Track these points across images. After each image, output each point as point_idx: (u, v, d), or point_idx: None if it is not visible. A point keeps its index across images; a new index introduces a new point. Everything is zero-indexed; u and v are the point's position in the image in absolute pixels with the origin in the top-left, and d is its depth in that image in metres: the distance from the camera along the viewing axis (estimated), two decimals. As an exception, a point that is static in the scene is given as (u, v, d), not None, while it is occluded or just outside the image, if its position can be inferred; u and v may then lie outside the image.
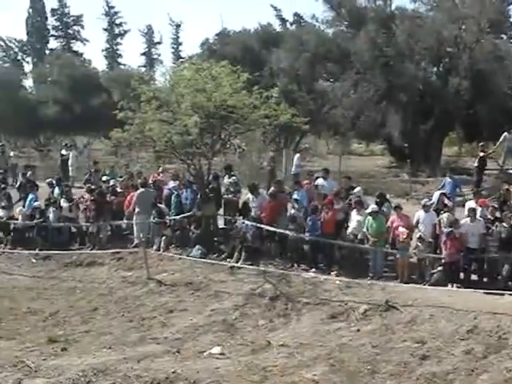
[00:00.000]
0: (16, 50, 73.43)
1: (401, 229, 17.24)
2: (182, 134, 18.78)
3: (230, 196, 21.09)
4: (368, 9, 35.71)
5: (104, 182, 24.02)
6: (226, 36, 42.25)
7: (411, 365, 12.28)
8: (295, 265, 18.30)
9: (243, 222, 19.37)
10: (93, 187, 23.02)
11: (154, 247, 20.47)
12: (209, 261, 19.02)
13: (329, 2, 35.63)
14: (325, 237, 17.99)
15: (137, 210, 21.09)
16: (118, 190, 22.90)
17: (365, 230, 17.64)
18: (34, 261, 21.61)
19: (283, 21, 44.93)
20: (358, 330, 14.30)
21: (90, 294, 18.50)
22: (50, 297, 18.72)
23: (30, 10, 70.92)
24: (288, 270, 17.98)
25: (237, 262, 18.55)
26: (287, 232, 18.49)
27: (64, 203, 22.77)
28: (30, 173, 26.84)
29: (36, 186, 24.77)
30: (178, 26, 76.30)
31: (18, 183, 27.00)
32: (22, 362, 13.61)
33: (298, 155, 29.50)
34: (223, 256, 19.27)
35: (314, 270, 17.87)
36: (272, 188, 20.69)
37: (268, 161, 28.25)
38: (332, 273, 17.54)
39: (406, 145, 35.01)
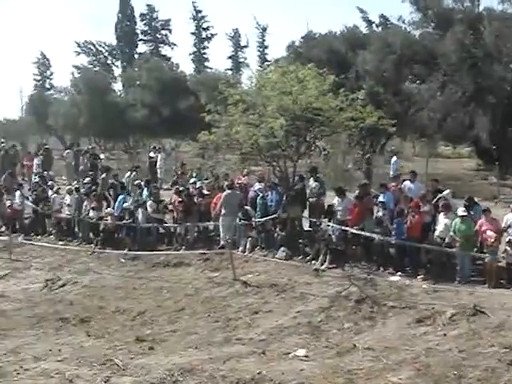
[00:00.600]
0: (106, 54, 75.17)
1: (489, 232, 16.88)
2: (268, 136, 18.89)
3: (314, 198, 21.07)
4: (455, 10, 35.05)
5: (191, 183, 24.33)
6: (311, 39, 42.14)
7: (498, 370, 11.99)
8: (381, 268, 18.16)
9: (328, 225, 19.33)
10: (180, 189, 23.34)
11: (240, 248, 20.65)
12: (294, 263, 19.07)
13: (415, 4, 35.14)
14: (411, 240, 17.76)
15: (223, 211, 21.27)
16: (205, 191, 23.14)
17: (452, 233, 17.36)
18: (122, 261, 22.05)
19: (369, 23, 44.49)
20: (445, 335, 14.06)
21: (177, 294, 18.74)
22: (138, 296, 19.06)
23: (120, 15, 72.40)
24: (373, 273, 17.87)
25: (322, 265, 18.54)
26: (373, 235, 18.37)
27: (152, 204, 23.18)
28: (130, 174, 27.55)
29: (125, 186, 25.33)
30: (264, 29, 76.64)
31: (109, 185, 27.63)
32: (111, 360, 13.91)
33: (395, 158, 29.19)
34: (308, 258, 19.27)
35: (400, 273, 17.70)
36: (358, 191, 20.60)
37: (357, 163, 28.06)
38: (418, 276, 17.34)
39: (494, 147, 34.20)
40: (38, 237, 25.31)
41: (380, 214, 18.89)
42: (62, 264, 22.46)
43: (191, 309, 17.47)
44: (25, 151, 37.98)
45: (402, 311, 15.59)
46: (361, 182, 22.74)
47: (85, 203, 24.52)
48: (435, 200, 18.86)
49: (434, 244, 17.72)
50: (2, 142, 37.83)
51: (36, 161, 33.73)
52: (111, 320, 17.25)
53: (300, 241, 20.67)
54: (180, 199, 22.56)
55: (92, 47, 74.17)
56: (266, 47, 76.96)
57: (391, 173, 27.47)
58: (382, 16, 43.77)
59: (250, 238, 20.72)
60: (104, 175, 28.01)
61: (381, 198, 19.46)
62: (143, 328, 16.44)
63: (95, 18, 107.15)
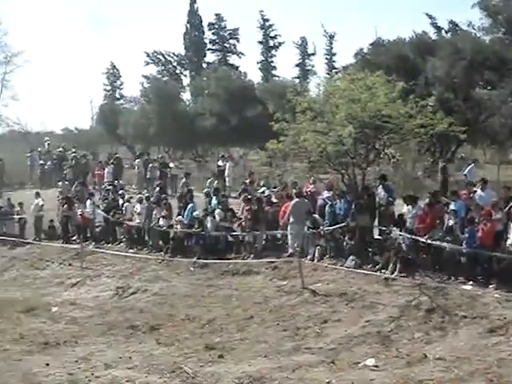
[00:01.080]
0: (174, 63, 75.97)
1: None
2: (337, 144, 18.83)
3: (384, 206, 20.85)
4: (526, 15, 34.38)
5: (260, 192, 24.36)
6: (380, 45, 41.78)
7: None
8: (452, 277, 17.83)
9: (401, 234, 19.10)
10: (249, 197, 23.40)
11: (309, 257, 20.55)
12: (363, 271, 18.89)
13: (485, 9, 34.52)
14: (483, 249, 17.40)
15: (291, 219, 21.22)
16: (273, 200, 23.13)
17: (525, 241, 16.96)
18: (192, 269, 22.17)
19: (438, 29, 43.87)
20: (518, 345, 13.78)
21: (246, 302, 18.78)
22: (207, 304, 19.17)
23: (188, 25, 73.13)
24: (444, 282, 17.56)
25: (391, 274, 18.30)
26: (444, 244, 18.07)
27: (220, 213, 23.28)
28: (183, 180, 27.87)
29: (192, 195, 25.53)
30: (332, 36, 76.33)
31: (179, 193, 27.94)
32: (180, 368, 14.03)
33: (472, 165, 28.66)
34: (378, 267, 19.04)
35: (471, 282, 17.35)
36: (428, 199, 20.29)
37: (427, 170, 27.63)
38: (490, 286, 16.94)
39: None
40: (109, 245, 25.67)
41: (451, 222, 18.56)
42: (133, 272, 22.75)
43: (260, 317, 17.49)
44: (96, 160, 38.64)
45: (474, 321, 15.31)
46: (431, 190, 22.41)
47: (154, 211, 24.78)
48: (507, 208, 18.45)
49: (506, 252, 17.33)
50: (74, 152, 38.58)
51: (107, 170, 34.35)
52: (181, 328, 17.41)
53: (369, 249, 20.47)
54: (248, 207, 22.60)
55: (161, 57, 75.06)
56: (334, 54, 76.69)
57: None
58: (451, 22, 43.06)
59: (318, 247, 20.60)
60: (184, 180, 28.47)
61: (452, 207, 19.13)
62: (212, 336, 16.53)
63: (164, 28, 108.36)
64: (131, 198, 26.96)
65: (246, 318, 17.61)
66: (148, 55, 75.35)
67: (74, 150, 39.33)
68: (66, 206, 27.60)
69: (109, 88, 76.91)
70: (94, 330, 17.75)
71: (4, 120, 60.79)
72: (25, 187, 38.98)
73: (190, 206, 24.16)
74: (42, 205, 29.04)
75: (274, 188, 24.60)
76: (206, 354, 15.08)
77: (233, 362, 14.41)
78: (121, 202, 26.54)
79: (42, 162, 39.92)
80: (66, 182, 33.36)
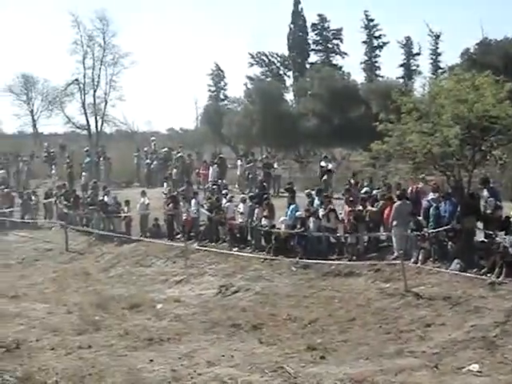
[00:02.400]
0: (278, 64, 76.26)
1: None
2: (442, 145, 18.47)
3: (489, 209, 20.33)
4: None
5: (363, 193, 24.18)
6: (487, 45, 40.91)
7: None
8: (561, 283, 17.26)
9: (504, 237, 18.60)
10: (351, 199, 23.27)
11: (412, 260, 20.28)
12: (468, 275, 18.49)
13: None
14: None
15: (395, 222, 21.01)
16: (377, 201, 22.93)
17: None
18: (293, 269, 22.22)
19: (549, 26, 42.64)
20: None
21: (348, 303, 18.69)
22: (309, 305, 19.18)
23: (292, 26, 73.23)
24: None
25: (497, 278, 17.85)
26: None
27: (322, 213, 23.23)
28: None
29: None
30: (438, 36, 74.89)
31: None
32: (282, 367, 14.11)
33: None
34: (483, 271, 18.59)
35: None
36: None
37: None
38: None
39: None
40: (212, 244, 25.95)
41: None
42: (235, 271, 22.96)
43: (362, 319, 17.38)
44: (200, 160, 39.21)
45: None
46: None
47: (256, 211, 24.95)
48: None
49: None
50: (179, 152, 39.26)
51: (211, 170, 34.77)
52: (283, 327, 17.47)
53: (475, 253, 20.01)
54: (351, 209, 22.49)
55: (265, 58, 75.50)
56: (439, 54, 75.15)
57: None
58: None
59: (422, 249, 20.31)
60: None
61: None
62: (314, 337, 16.52)
63: (267, 28, 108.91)
64: (232, 197, 27.19)
65: (348, 319, 17.53)
66: (252, 56, 75.90)
67: (179, 149, 40.03)
68: (171, 204, 28.16)
69: (213, 89, 77.89)
70: (197, 327, 18.03)
71: (111, 120, 62.36)
72: (131, 186, 39.98)
73: (292, 206, 24.21)
74: (148, 203, 29.71)
75: (378, 189, 24.36)
76: (308, 355, 15.11)
77: (334, 363, 14.39)
78: (224, 201, 26.82)
79: (148, 161, 40.82)
80: (171, 182, 34.07)
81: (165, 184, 32.98)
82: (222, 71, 78.17)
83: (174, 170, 36.97)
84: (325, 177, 31.84)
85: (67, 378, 14.41)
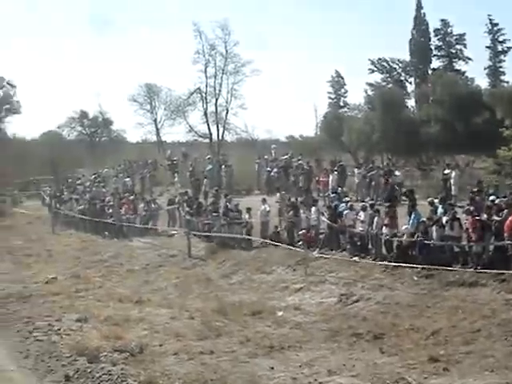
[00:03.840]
0: (399, 70, 75.39)
1: None
2: None
3: None
4: None
5: (490, 201, 23.49)
6: None
7: None
8: None
9: None
10: (471, 208, 22.65)
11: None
12: None
13: None
14: None
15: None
16: (503, 209, 22.22)
17: None
18: (415, 278, 21.80)
19: None
20: None
21: (472, 314, 18.18)
22: (431, 315, 18.83)
23: (414, 32, 72.22)
24: None
25: None
26: None
27: (446, 222, 22.73)
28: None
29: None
30: None
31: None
32: (403, 378, 13.91)
33: None
34: None
35: None
36: None
37: None
38: None
39: None
40: (333, 251, 25.82)
41: None
42: (356, 279, 22.76)
43: (487, 331, 16.90)
44: (320, 168, 39.15)
45: None
46: None
47: (375, 219, 24.70)
48: None
49: None
50: (299, 159, 39.37)
51: (331, 177, 34.68)
52: (405, 338, 17.22)
53: None
54: (475, 217, 21.88)
55: (385, 64, 74.82)
56: None
57: None
58: None
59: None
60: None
61: None
62: (437, 348, 16.21)
63: (389, 35, 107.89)
64: (352, 205, 26.99)
65: (472, 330, 17.10)
66: (373, 63, 75.35)
67: (299, 157, 40.14)
68: (291, 212, 28.25)
69: (333, 96, 77.77)
70: (317, 335, 18.00)
71: (233, 128, 63.31)
72: (251, 193, 40.35)
73: (414, 214, 23.82)
74: (269, 211, 29.92)
75: (504, 197, 23.62)
76: (430, 366, 14.85)
77: (458, 375, 14.10)
78: (344, 209, 26.67)
79: (268, 168, 41.11)
80: (294, 189, 34.21)
81: (278, 194, 33.01)
82: (342, 78, 78.00)
83: (294, 178, 37.10)
84: (447, 184, 31.22)
85: (189, 383, 14.67)
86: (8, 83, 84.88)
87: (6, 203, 51.65)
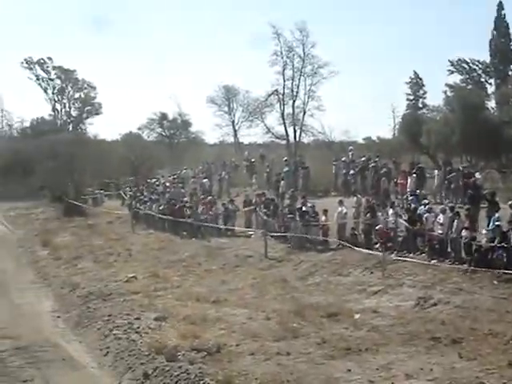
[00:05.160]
0: (479, 72, 74.14)
1: None
2: None
3: None
4: None
5: None
6: None
7: None
8: None
9: None
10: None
11: None
12: None
13: None
14: None
15: None
16: None
17: None
18: (495, 283, 21.47)
19: None
20: None
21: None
22: (511, 320, 18.49)
23: (495, 32, 70.95)
24: None
25: None
26: None
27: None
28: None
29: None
30: None
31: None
32: (482, 383, 13.75)
33: None
34: None
35: None
36: None
37: None
38: None
39: None
40: (411, 254, 25.59)
41: None
42: (434, 283, 22.51)
43: None
44: (398, 170, 38.79)
45: None
46: None
47: (455, 222, 24.39)
48: None
49: None
50: (375, 161, 39.08)
51: (409, 179, 34.34)
52: (483, 342, 16.94)
53: None
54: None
55: (465, 65, 73.69)
56: None
57: None
58: None
59: None
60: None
61: None
62: (517, 353, 15.91)
63: (469, 36, 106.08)
64: (431, 208, 26.71)
65: None
66: (452, 64, 74.34)
67: (376, 159, 39.87)
68: (368, 214, 28.14)
69: (411, 97, 76.95)
70: (394, 339, 17.85)
71: (310, 130, 63.09)
72: (328, 195, 40.25)
73: (494, 217, 23.42)
74: (346, 212, 29.86)
75: None
76: (510, 372, 14.65)
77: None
78: (423, 211, 26.41)
79: (345, 170, 40.96)
80: (368, 191, 34.04)
81: (355, 198, 32.86)
82: (420, 79, 77.09)
83: (371, 180, 36.91)
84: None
85: (266, 383, 14.79)
86: (89, 85, 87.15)
87: (87, 203, 52.95)
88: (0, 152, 68.58)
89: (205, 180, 46.83)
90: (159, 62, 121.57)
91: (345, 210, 29.84)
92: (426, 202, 27.93)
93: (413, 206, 27.70)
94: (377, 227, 27.54)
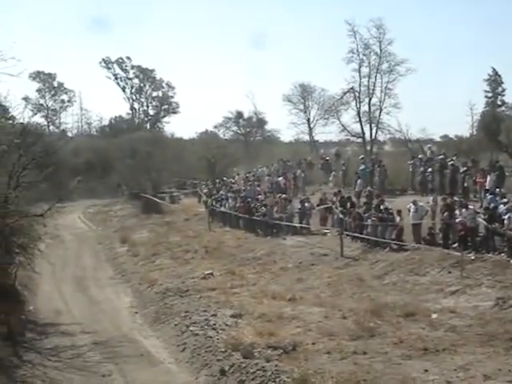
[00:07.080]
0: None
1: None
2: None
3: None
4: None
5: None
6: None
7: None
8: None
9: None
10: None
11: None
12: None
13: None
14: None
15: None
16: None
17: None
18: None
19: None
20: None
21: None
22: None
23: None
24: None
25: None
26: None
27: None
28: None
29: None
30: None
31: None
32: None
33: None
34: None
35: None
36: None
37: None
38: None
39: None
40: (489, 254, 25.14)
41: None
42: (513, 283, 22.12)
43: None
44: (476, 168, 38.11)
45: None
46: None
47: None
48: None
49: None
50: (452, 159, 38.46)
51: (488, 178, 33.73)
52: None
53: None
54: None
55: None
56: None
57: None
58: None
59: None
60: None
61: None
62: None
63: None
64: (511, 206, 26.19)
65: None
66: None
67: (453, 157, 39.24)
68: (446, 213, 27.74)
69: (490, 95, 75.52)
70: (473, 339, 17.61)
71: (386, 128, 62.65)
72: (405, 193, 39.81)
73: None
74: (426, 210, 29.56)
75: None
76: None
77: None
78: (502, 210, 25.91)
79: (422, 168, 40.44)
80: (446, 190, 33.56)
81: (431, 197, 32.42)
82: (499, 76, 75.51)
83: (447, 178, 36.40)
84: None
85: (342, 382, 14.79)
86: (167, 84, 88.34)
87: (165, 201, 53.71)
88: (80, 150, 70.17)
89: (280, 178, 46.90)
90: (235, 62, 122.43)
91: (419, 210, 29.43)
92: (506, 200, 27.35)
93: (492, 204, 27.16)
94: (457, 220, 27.04)
